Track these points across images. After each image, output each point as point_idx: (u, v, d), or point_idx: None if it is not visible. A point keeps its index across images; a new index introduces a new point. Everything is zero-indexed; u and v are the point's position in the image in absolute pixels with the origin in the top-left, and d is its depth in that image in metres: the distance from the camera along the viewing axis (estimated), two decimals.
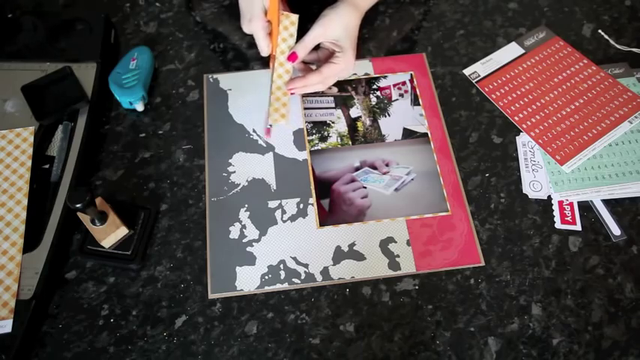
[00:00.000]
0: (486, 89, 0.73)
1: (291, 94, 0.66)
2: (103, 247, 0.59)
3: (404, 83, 0.73)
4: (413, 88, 0.73)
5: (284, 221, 0.63)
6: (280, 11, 0.64)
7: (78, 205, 0.52)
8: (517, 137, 0.69)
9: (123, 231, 0.59)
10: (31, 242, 0.59)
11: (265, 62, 0.75)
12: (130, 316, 0.58)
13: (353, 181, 0.66)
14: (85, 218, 0.58)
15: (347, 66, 0.66)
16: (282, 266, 0.60)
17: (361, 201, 0.64)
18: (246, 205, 0.64)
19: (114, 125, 0.70)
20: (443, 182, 0.66)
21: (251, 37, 0.77)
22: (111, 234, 0.58)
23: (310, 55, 0.68)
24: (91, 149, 0.67)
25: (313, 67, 0.70)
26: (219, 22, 0.79)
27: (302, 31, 0.65)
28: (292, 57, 0.64)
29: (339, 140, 0.69)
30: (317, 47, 0.68)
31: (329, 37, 0.65)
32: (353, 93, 0.72)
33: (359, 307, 0.58)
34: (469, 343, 0.56)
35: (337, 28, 0.64)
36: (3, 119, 0.67)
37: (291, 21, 0.65)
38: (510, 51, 0.76)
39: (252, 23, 0.64)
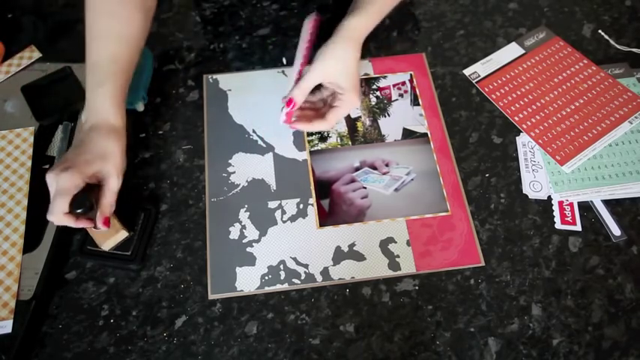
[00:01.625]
0: (486, 89, 0.73)
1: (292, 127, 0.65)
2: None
3: (403, 83, 0.73)
4: (413, 88, 0.73)
5: (284, 221, 0.63)
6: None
7: (79, 211, 0.52)
8: (517, 137, 0.69)
9: (122, 234, 0.59)
10: (31, 242, 0.59)
11: (265, 63, 0.75)
12: (130, 317, 0.58)
13: (353, 181, 0.66)
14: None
15: (351, 106, 0.64)
16: (282, 267, 0.60)
17: (361, 201, 0.64)
18: (246, 206, 0.64)
19: None
20: (443, 182, 0.66)
21: (251, 37, 0.77)
22: (110, 237, 0.58)
23: (313, 95, 0.66)
24: None
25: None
26: (219, 22, 0.79)
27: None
28: (289, 103, 0.62)
29: (338, 140, 0.69)
30: (319, 86, 0.65)
31: (327, 79, 0.62)
32: None
33: (359, 307, 0.58)
34: (469, 344, 0.56)
35: (334, 69, 0.61)
36: (3, 119, 0.67)
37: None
38: (510, 51, 0.76)
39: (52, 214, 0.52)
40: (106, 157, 0.54)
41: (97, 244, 0.58)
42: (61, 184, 0.51)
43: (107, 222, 0.55)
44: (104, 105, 0.56)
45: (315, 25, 0.68)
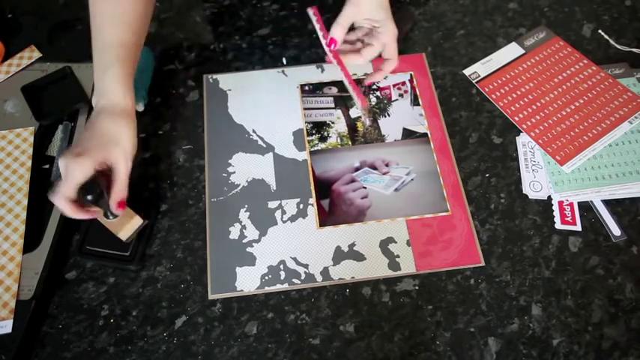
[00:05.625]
0: (486, 89, 0.73)
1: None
2: (120, 239, 0.57)
3: (404, 83, 0.73)
4: (412, 88, 0.73)
5: (284, 222, 0.63)
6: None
7: (89, 198, 0.51)
8: (517, 137, 0.69)
9: (138, 221, 0.58)
10: (31, 242, 0.59)
11: (265, 63, 0.75)
12: (130, 317, 0.58)
13: (353, 181, 0.66)
14: (98, 213, 0.57)
15: (393, 33, 0.63)
16: (282, 267, 0.60)
17: (361, 201, 0.64)
18: (246, 206, 0.64)
19: None
20: (443, 182, 0.66)
21: (251, 37, 0.77)
22: (126, 224, 0.57)
23: (349, 35, 0.65)
24: None
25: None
26: (219, 22, 0.79)
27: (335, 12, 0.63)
28: (331, 42, 0.62)
29: (339, 140, 0.69)
30: (352, 28, 0.65)
31: (363, 15, 0.62)
32: None
33: (359, 307, 0.58)
34: (469, 344, 0.56)
35: (370, 6, 0.61)
36: (3, 119, 0.67)
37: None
38: (510, 51, 0.76)
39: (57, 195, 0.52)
40: (115, 141, 0.53)
41: (98, 242, 0.58)
42: (71, 172, 0.51)
43: (122, 205, 0.54)
44: (113, 87, 0.55)
45: (316, 12, 0.66)
